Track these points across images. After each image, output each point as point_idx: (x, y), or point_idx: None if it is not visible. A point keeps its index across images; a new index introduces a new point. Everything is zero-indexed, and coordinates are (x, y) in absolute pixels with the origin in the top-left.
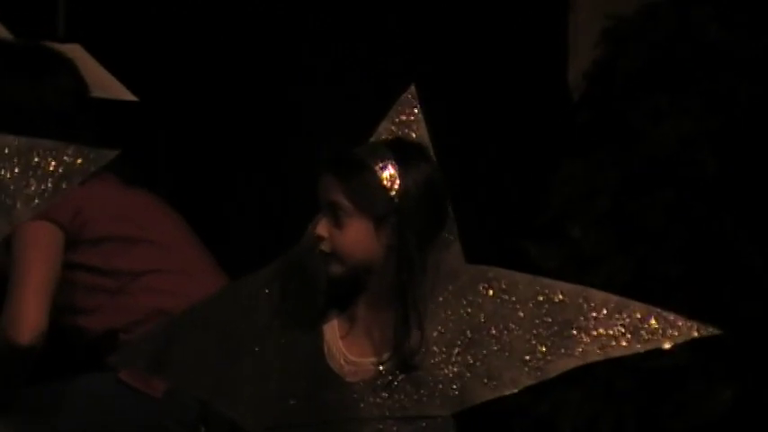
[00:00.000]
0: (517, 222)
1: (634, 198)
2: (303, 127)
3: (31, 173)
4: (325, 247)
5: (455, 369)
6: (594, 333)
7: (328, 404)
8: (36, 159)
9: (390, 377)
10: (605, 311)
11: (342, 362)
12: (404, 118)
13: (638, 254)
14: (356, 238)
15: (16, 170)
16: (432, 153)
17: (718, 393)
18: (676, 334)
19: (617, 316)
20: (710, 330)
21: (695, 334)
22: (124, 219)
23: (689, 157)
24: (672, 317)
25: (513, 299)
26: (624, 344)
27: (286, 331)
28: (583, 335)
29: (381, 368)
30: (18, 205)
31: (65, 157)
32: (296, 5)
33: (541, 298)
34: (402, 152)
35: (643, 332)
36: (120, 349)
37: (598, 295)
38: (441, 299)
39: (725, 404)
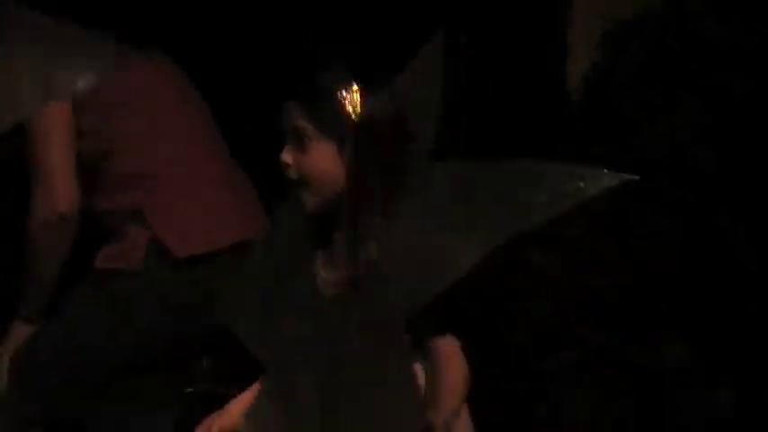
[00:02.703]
0: None
1: (631, 197)
2: None
3: None
4: (291, 173)
5: (411, 275)
6: (531, 203)
7: (315, 326)
8: None
9: (354, 288)
10: (526, 185)
11: (328, 287)
12: (420, 68)
13: (637, 254)
14: (320, 160)
15: None
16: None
17: (718, 394)
18: (597, 185)
19: (535, 188)
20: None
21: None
22: (119, 82)
23: (686, 154)
24: (588, 173)
25: (469, 189)
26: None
27: (284, 266)
28: (518, 209)
29: (347, 279)
30: None
31: None
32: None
33: (456, 185)
34: (365, 76)
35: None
36: None
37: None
38: (401, 210)
39: (726, 404)
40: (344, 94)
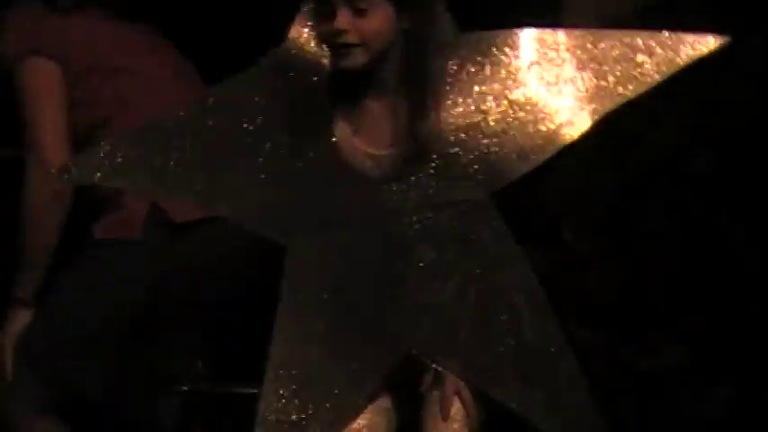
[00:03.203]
0: (512, 226)
1: (628, 200)
2: None
3: None
4: (350, 38)
5: (478, 146)
6: (609, 79)
7: (354, 202)
8: None
9: (413, 165)
10: (609, 50)
11: (360, 157)
12: None
13: (633, 256)
14: (381, 23)
15: None
16: None
17: (718, 394)
18: (688, 51)
19: (623, 51)
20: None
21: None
22: (104, 49)
23: (683, 157)
24: (676, 36)
25: (518, 56)
26: (638, 81)
27: (292, 131)
28: (597, 84)
29: (401, 156)
30: None
31: None
32: None
33: (543, 50)
34: None
35: (654, 61)
36: (75, 161)
37: (601, 34)
38: (446, 77)
39: (725, 405)
40: None
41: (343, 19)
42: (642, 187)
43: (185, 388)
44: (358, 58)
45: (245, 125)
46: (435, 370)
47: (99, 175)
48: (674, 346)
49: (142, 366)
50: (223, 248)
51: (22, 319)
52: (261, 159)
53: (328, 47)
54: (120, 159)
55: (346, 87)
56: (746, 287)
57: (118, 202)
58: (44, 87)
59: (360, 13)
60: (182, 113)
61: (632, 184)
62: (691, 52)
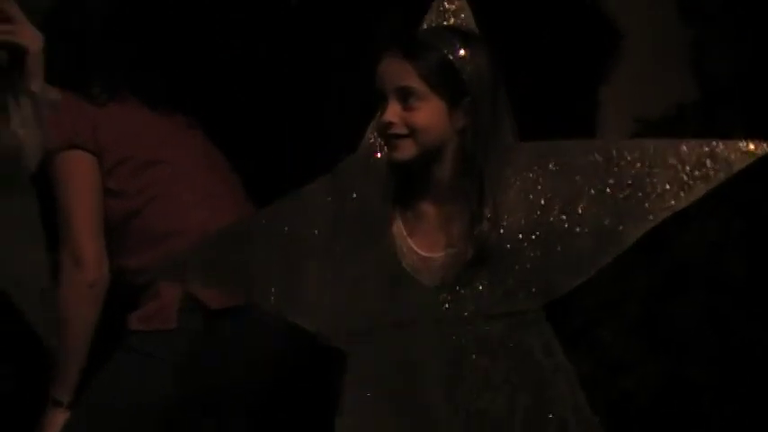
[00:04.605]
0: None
1: (664, 302)
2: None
3: None
4: (397, 129)
5: (532, 257)
6: (658, 190)
7: (411, 306)
8: None
9: (469, 272)
10: (660, 160)
11: (414, 259)
12: (447, 6)
13: (669, 358)
14: (431, 117)
15: None
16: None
17: None
18: (735, 158)
19: (673, 162)
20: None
21: (759, 152)
22: (138, 140)
23: (717, 260)
24: (724, 144)
25: (574, 165)
26: (687, 191)
27: (354, 235)
28: (646, 194)
29: (456, 262)
30: None
31: None
32: None
33: (598, 160)
34: (463, 35)
35: (703, 171)
36: (165, 261)
37: (651, 145)
38: (503, 183)
39: None
40: (452, 51)
41: (392, 112)
42: (677, 287)
43: None
44: (406, 151)
45: (317, 230)
46: None
47: (181, 276)
48: None
49: None
50: (259, 335)
51: (58, 421)
52: (330, 264)
53: (382, 139)
54: (200, 262)
55: (403, 189)
56: None
57: (152, 291)
58: (80, 180)
59: (408, 107)
60: (258, 218)
61: (667, 285)
62: (742, 158)
